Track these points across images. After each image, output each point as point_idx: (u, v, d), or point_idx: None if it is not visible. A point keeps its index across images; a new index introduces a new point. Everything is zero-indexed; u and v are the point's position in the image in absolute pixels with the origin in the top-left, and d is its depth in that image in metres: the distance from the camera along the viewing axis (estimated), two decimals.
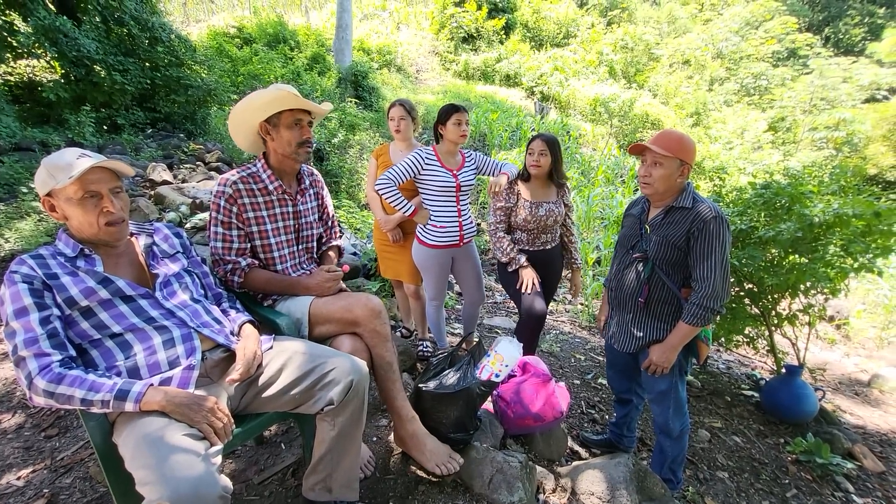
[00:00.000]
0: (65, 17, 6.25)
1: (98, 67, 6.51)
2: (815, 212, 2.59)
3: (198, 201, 5.14)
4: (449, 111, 2.43)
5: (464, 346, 2.77)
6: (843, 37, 25.54)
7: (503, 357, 1.84)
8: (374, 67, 13.25)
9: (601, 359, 3.64)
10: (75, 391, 1.14)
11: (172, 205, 4.95)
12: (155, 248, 1.47)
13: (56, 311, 1.22)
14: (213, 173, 6.49)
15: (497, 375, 1.81)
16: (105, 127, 6.86)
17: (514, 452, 1.74)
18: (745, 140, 13.84)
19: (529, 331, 2.37)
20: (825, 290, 2.71)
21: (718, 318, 3.12)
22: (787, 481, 2.59)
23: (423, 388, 1.71)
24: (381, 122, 9.87)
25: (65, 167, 1.26)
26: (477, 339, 2.06)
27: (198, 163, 6.76)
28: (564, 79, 14.50)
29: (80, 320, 1.26)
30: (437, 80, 15.70)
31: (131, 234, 1.46)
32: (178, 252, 1.53)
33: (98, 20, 6.96)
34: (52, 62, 6.46)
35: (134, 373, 1.25)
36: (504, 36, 17.43)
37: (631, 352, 1.94)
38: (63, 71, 6.44)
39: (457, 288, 4.62)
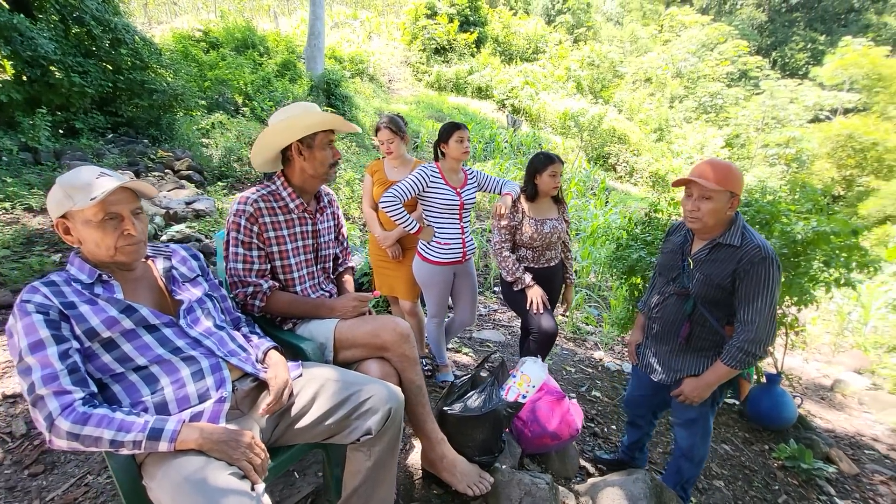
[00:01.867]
0: (21, 15, 5.87)
1: (55, 68, 6.14)
2: (798, 229, 2.75)
3: (171, 212, 4.92)
4: (450, 129, 2.44)
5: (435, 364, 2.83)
6: (789, 60, 27.63)
7: (530, 378, 1.84)
8: (347, 76, 13.15)
9: (591, 370, 3.71)
10: (104, 432, 1.05)
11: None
12: (174, 271, 1.39)
13: (75, 344, 1.13)
14: (183, 182, 6.23)
15: (524, 396, 1.81)
16: (61, 131, 6.47)
17: (539, 474, 1.73)
18: (704, 155, 14.62)
19: (540, 348, 2.38)
20: (806, 303, 2.87)
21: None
22: (776, 487, 2.71)
23: (449, 412, 1.68)
24: (356, 133, 9.78)
25: (84, 187, 1.17)
26: (500, 360, 2.05)
27: (166, 171, 6.46)
28: (535, 92, 14.87)
29: (100, 353, 1.16)
30: (409, 91, 15.75)
31: (147, 257, 1.38)
32: (197, 276, 1.44)
33: (56, 19, 6.58)
34: (1, 61, 6.04)
35: (162, 408, 1.17)
36: (475, 49, 17.72)
37: (667, 383, 1.89)
38: (14, 71, 6.04)
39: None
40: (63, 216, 1.19)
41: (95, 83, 6.52)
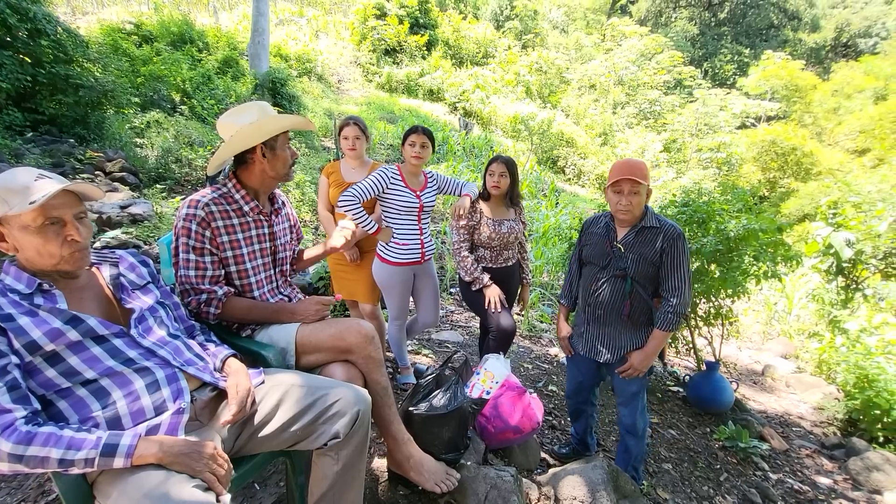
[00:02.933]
0: None
1: None
2: (730, 227, 2.99)
3: (105, 216, 4.60)
4: (407, 133, 2.48)
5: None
6: (718, 71, 29.95)
7: (493, 374, 1.88)
8: (294, 75, 12.80)
9: (547, 366, 3.82)
10: (51, 451, 0.97)
11: None
12: (122, 278, 1.31)
13: (14, 359, 1.04)
14: (117, 185, 5.83)
15: (488, 392, 1.85)
16: None
17: (503, 467, 1.78)
18: (645, 159, 15.50)
19: (499, 346, 2.43)
20: (739, 295, 3.12)
21: None
22: (718, 466, 2.92)
23: (415, 412, 1.69)
24: (304, 132, 9.55)
25: (21, 190, 1.08)
26: (464, 359, 2.08)
27: (97, 172, 6.01)
28: (486, 96, 15.13)
29: (43, 368, 1.08)
30: (359, 92, 15.55)
31: (92, 264, 1.29)
32: (148, 283, 1.37)
33: None
34: None
35: (114, 423, 1.10)
36: (426, 52, 17.78)
37: (612, 362, 2.06)
38: None
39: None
40: None
41: (11, 77, 5.96)
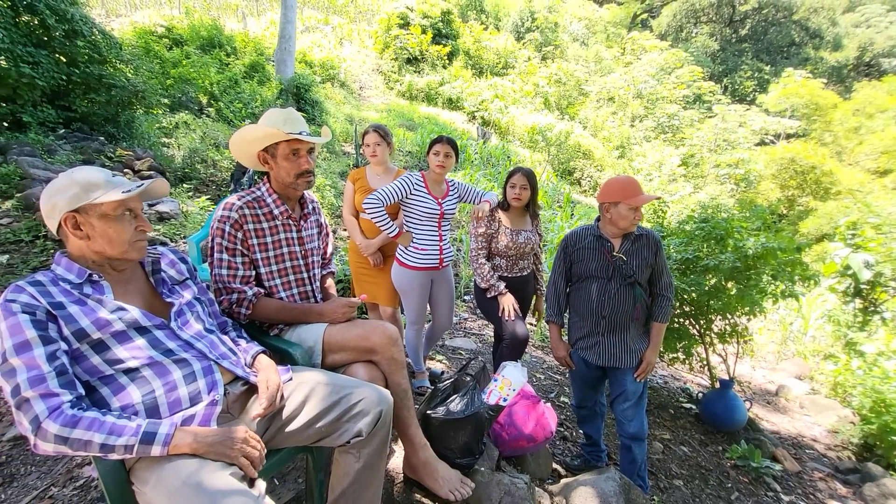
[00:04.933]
0: None
1: (1, 58, 5.79)
2: (749, 245, 2.98)
3: None
4: (432, 142, 2.54)
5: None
6: (738, 87, 29.78)
7: (511, 381, 1.91)
8: (317, 81, 13.03)
9: (559, 377, 3.83)
10: (94, 435, 1.03)
11: None
12: (163, 274, 1.38)
13: (63, 346, 1.10)
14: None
15: (504, 399, 1.88)
16: (6, 124, 6.10)
17: (517, 475, 1.80)
18: (662, 173, 15.42)
19: (512, 354, 2.46)
20: (756, 313, 3.10)
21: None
22: (729, 485, 2.89)
23: (432, 415, 1.72)
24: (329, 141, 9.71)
25: (103, 184, 1.20)
26: (481, 365, 2.12)
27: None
28: (504, 106, 15.21)
29: (89, 355, 1.14)
30: (380, 99, 15.75)
31: None
32: (186, 278, 1.44)
33: (5, 5, 6.22)
34: None
35: (153, 411, 1.16)
36: (447, 61, 17.97)
37: (633, 366, 2.20)
38: None
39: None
40: (76, 210, 1.18)
41: (47, 75, 6.19)
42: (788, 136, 20.74)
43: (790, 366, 5.76)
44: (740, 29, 35.24)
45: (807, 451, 3.74)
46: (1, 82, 5.90)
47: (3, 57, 5.83)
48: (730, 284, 3.13)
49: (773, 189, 15.70)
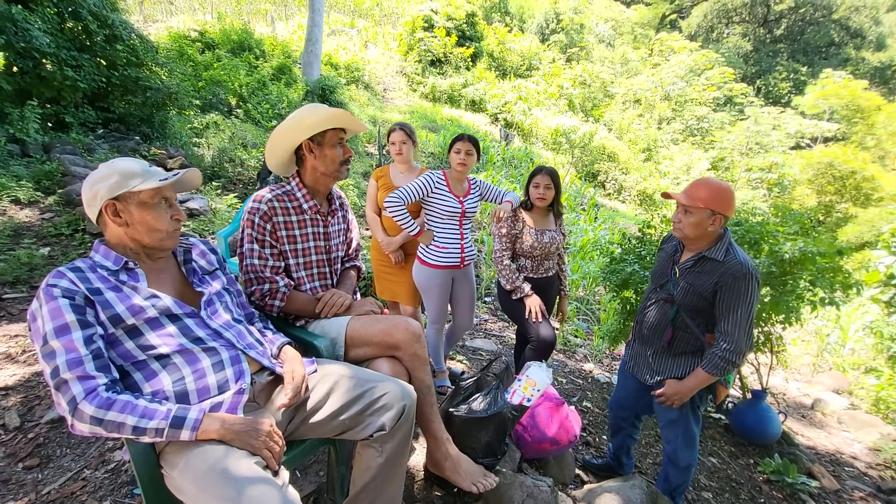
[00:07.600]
0: (19, 6, 5.82)
1: (47, 61, 6.08)
2: (785, 249, 2.86)
3: None
4: (453, 141, 2.53)
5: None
6: (772, 89, 28.79)
7: (535, 382, 1.88)
8: (342, 83, 13.23)
9: (581, 381, 3.75)
10: (127, 418, 1.05)
11: None
12: (194, 264, 1.40)
13: (99, 330, 1.14)
14: None
15: (528, 400, 1.85)
16: (50, 124, 6.39)
17: (540, 477, 1.77)
18: (690, 176, 15.03)
19: (538, 356, 2.42)
20: (792, 321, 2.97)
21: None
22: (762, 500, 2.77)
23: (455, 413, 1.70)
24: (350, 138, 9.84)
25: (141, 173, 1.24)
26: (505, 364, 2.09)
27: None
28: (527, 108, 15.11)
29: (124, 340, 1.17)
30: (404, 100, 15.87)
31: None
32: (216, 269, 1.46)
33: (52, 12, 6.53)
34: None
35: (182, 398, 1.18)
36: (471, 63, 17.98)
37: (652, 384, 1.98)
38: (6, 62, 5.96)
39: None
40: (116, 198, 1.22)
41: (88, 78, 6.48)
42: (826, 140, 19.91)
43: (827, 379, 5.51)
44: (775, 29, 34.11)
45: (846, 468, 3.57)
46: (47, 85, 6.20)
47: (49, 61, 6.13)
48: (764, 291, 3.01)
49: (808, 195, 15.11)
